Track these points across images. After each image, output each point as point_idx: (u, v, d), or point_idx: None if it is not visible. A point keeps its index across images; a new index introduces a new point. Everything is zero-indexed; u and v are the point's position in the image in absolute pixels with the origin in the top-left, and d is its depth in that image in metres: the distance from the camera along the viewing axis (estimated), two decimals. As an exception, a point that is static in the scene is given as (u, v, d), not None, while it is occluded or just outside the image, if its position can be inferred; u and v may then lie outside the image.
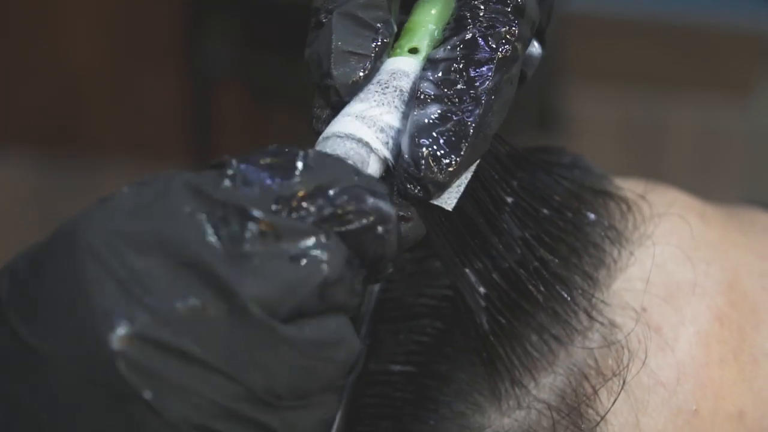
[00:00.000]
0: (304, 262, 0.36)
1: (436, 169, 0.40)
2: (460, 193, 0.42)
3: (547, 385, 0.45)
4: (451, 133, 0.40)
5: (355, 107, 0.42)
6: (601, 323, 0.46)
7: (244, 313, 0.35)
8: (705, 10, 2.19)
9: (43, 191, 2.11)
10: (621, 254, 0.48)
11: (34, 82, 2.15)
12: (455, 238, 0.44)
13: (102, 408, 0.35)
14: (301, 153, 0.38)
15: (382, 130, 0.41)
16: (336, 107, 0.42)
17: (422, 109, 0.41)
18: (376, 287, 0.49)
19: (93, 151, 2.14)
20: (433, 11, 0.44)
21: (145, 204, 0.37)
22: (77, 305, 0.35)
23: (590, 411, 0.45)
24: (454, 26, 0.42)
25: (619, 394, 0.45)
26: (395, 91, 0.42)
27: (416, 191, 0.40)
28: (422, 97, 0.41)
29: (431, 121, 0.40)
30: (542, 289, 0.46)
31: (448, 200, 0.41)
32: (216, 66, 2.00)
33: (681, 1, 2.21)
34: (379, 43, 0.43)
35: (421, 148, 0.40)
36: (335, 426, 0.41)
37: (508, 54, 0.41)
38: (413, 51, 0.43)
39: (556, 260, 0.46)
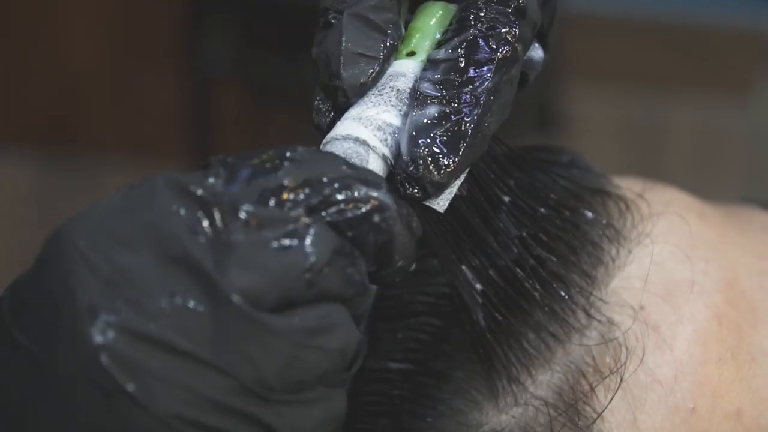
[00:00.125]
0: (288, 250, 0.36)
1: (434, 169, 0.40)
2: (452, 195, 0.42)
3: (544, 382, 0.45)
4: (449, 134, 0.40)
5: (351, 111, 0.42)
6: (599, 321, 0.46)
7: (227, 305, 0.35)
8: (705, 10, 2.19)
9: (43, 191, 2.11)
10: (619, 253, 0.48)
11: (34, 82, 2.15)
12: (452, 237, 0.44)
13: (92, 404, 0.35)
14: (289, 149, 0.38)
15: (379, 128, 0.41)
16: (342, 108, 0.43)
17: (421, 110, 0.41)
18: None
19: (93, 151, 2.14)
20: (432, 16, 0.44)
21: (132, 204, 0.37)
22: (64, 304, 0.35)
23: (587, 408, 0.45)
24: (455, 27, 0.42)
25: (616, 391, 0.45)
26: (392, 90, 0.42)
27: (414, 191, 0.40)
28: (422, 97, 0.41)
29: (430, 121, 0.40)
30: (539, 287, 0.46)
31: (440, 202, 0.42)
32: (216, 66, 2.00)
33: (681, 1, 2.21)
34: (387, 46, 0.43)
35: (420, 148, 0.40)
36: None
37: (508, 55, 0.41)
38: (410, 54, 0.44)
39: (554, 258, 0.46)
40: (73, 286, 0.35)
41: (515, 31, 0.42)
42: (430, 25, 0.44)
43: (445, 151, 0.40)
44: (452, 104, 0.41)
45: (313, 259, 0.36)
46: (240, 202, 0.36)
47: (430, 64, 0.42)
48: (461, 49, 0.42)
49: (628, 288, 0.47)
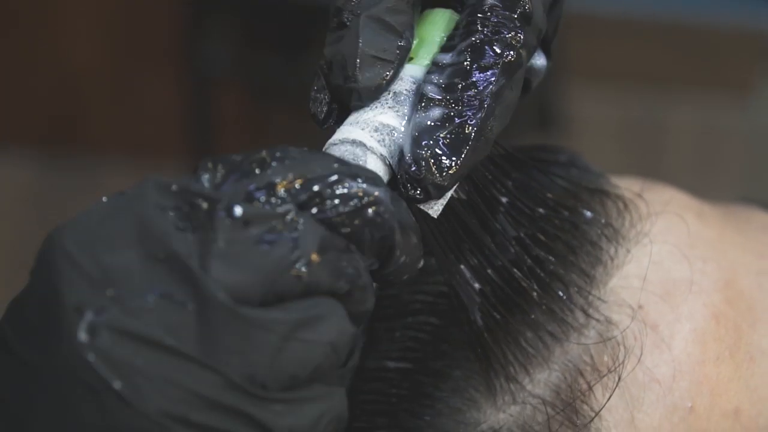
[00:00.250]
0: (273, 245, 0.36)
1: (436, 171, 0.40)
2: (446, 200, 0.42)
3: (542, 381, 0.45)
4: (452, 136, 0.40)
5: (349, 118, 0.42)
6: (598, 320, 0.46)
7: (211, 301, 0.35)
8: (705, 10, 2.19)
9: (43, 191, 2.11)
10: (618, 252, 0.48)
11: (34, 82, 2.15)
12: (451, 237, 0.44)
13: (83, 404, 0.35)
14: (279, 149, 0.38)
15: (376, 130, 0.41)
16: (352, 110, 0.43)
17: (425, 112, 0.41)
18: None
19: (93, 151, 2.14)
20: (434, 23, 0.44)
21: (120, 206, 0.37)
22: (52, 306, 0.35)
23: (585, 407, 0.45)
24: (462, 33, 0.43)
25: (614, 390, 0.45)
26: (389, 93, 0.43)
27: (416, 193, 0.40)
28: (426, 100, 0.41)
29: (434, 123, 0.41)
30: (536, 287, 0.46)
31: (435, 207, 0.42)
32: (216, 66, 2.00)
33: (681, 1, 2.21)
34: (402, 49, 0.43)
35: (423, 150, 0.40)
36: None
37: (512, 60, 0.41)
38: (408, 60, 0.44)
39: (552, 258, 0.46)
40: (60, 287, 0.35)
41: (520, 37, 0.42)
42: (431, 31, 0.44)
43: (448, 153, 0.40)
44: (456, 107, 0.41)
45: (297, 252, 0.36)
46: (227, 200, 0.36)
47: (436, 67, 0.42)
48: (466, 53, 0.42)
49: (627, 287, 0.47)
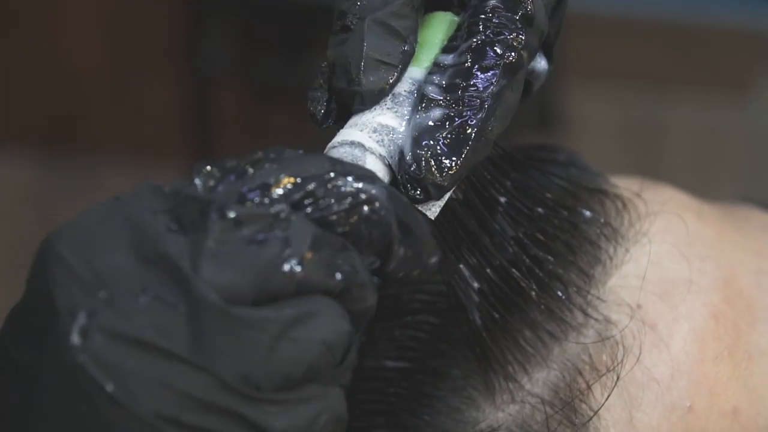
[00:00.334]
0: (264, 244, 0.36)
1: (436, 171, 0.40)
2: (444, 202, 0.42)
3: (540, 380, 0.45)
4: (453, 136, 0.40)
5: (349, 121, 0.43)
6: (596, 320, 0.46)
7: (202, 301, 0.35)
8: (705, 10, 2.19)
9: (43, 191, 2.11)
10: (617, 251, 0.48)
11: (34, 82, 2.15)
12: (450, 236, 0.44)
13: (78, 408, 0.35)
14: (274, 151, 0.38)
15: (375, 131, 0.41)
16: (354, 113, 0.43)
17: (426, 112, 0.41)
18: None
19: (93, 151, 2.15)
20: (434, 27, 0.45)
21: (114, 210, 0.37)
22: (46, 310, 0.35)
23: (584, 406, 0.45)
24: (463, 34, 0.43)
25: (612, 389, 0.45)
26: (387, 95, 0.43)
27: (416, 193, 0.40)
28: (426, 100, 0.41)
29: (434, 123, 0.41)
30: (535, 286, 0.46)
31: (433, 207, 0.42)
32: (216, 66, 2.00)
33: (681, 1, 2.21)
34: (406, 53, 0.43)
35: (423, 150, 0.40)
36: None
37: (513, 61, 0.41)
38: None
39: (551, 258, 0.47)
40: (54, 291, 0.35)
41: (521, 38, 0.42)
42: (432, 34, 0.44)
43: (448, 153, 0.40)
44: (456, 107, 0.41)
45: (289, 251, 0.36)
46: (220, 202, 0.36)
47: (437, 68, 0.42)
48: (468, 54, 0.42)
49: (626, 286, 0.47)
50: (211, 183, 0.38)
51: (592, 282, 0.47)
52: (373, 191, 0.38)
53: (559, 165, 0.51)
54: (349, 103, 0.42)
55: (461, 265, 0.45)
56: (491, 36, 0.42)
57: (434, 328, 0.47)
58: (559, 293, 0.46)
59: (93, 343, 0.34)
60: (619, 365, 0.45)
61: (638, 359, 0.45)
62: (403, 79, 0.43)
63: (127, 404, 0.34)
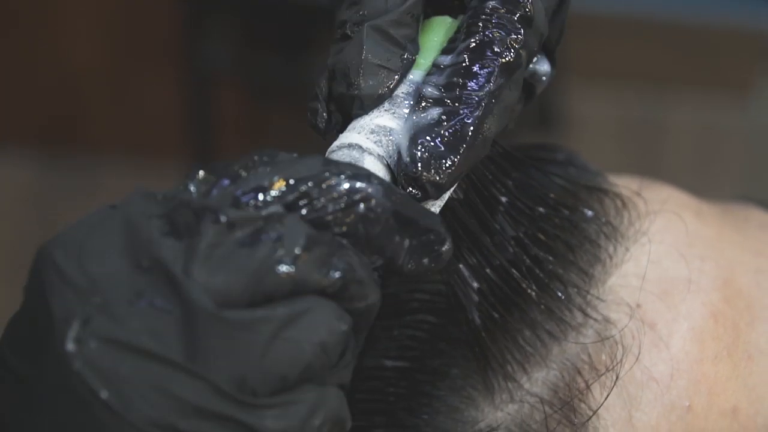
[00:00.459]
0: (256, 246, 0.36)
1: (434, 169, 0.40)
2: (444, 201, 0.42)
3: (539, 380, 0.45)
4: (449, 134, 0.40)
5: (348, 126, 0.43)
6: (595, 319, 0.46)
7: (194, 306, 0.35)
8: (705, 10, 2.19)
9: (43, 191, 2.11)
10: (617, 250, 0.48)
11: (34, 82, 2.15)
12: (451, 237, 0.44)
13: (74, 415, 0.35)
14: (266, 154, 0.38)
15: (372, 132, 0.41)
16: (353, 117, 0.43)
17: (423, 112, 0.41)
18: None
19: (93, 151, 2.15)
20: (433, 31, 0.45)
21: (107, 217, 0.37)
22: (42, 317, 0.36)
23: (583, 406, 0.45)
24: (462, 35, 0.43)
25: (612, 389, 0.45)
26: None
27: (414, 192, 0.40)
28: (424, 100, 0.41)
29: (431, 121, 0.41)
30: (535, 286, 0.46)
31: (432, 207, 0.42)
32: (216, 66, 2.00)
33: (681, 1, 2.21)
34: (406, 60, 0.43)
35: (420, 148, 0.40)
36: None
37: (511, 60, 0.41)
38: None
39: (551, 258, 0.46)
40: (49, 299, 0.35)
41: (520, 38, 0.42)
42: (431, 37, 0.44)
43: (446, 151, 0.40)
44: (453, 106, 0.41)
45: (282, 251, 0.36)
46: (213, 206, 0.36)
47: (436, 69, 0.43)
48: (466, 54, 0.42)
49: (625, 286, 0.47)
50: (205, 188, 0.38)
51: (592, 281, 0.47)
52: (369, 189, 0.38)
53: (558, 164, 0.51)
54: (349, 107, 0.42)
55: (461, 265, 0.45)
56: (489, 36, 0.42)
57: (433, 328, 0.47)
58: (559, 293, 0.46)
59: (88, 350, 0.34)
60: (619, 365, 0.45)
61: (637, 359, 0.45)
62: (402, 81, 0.43)
63: (122, 411, 0.34)
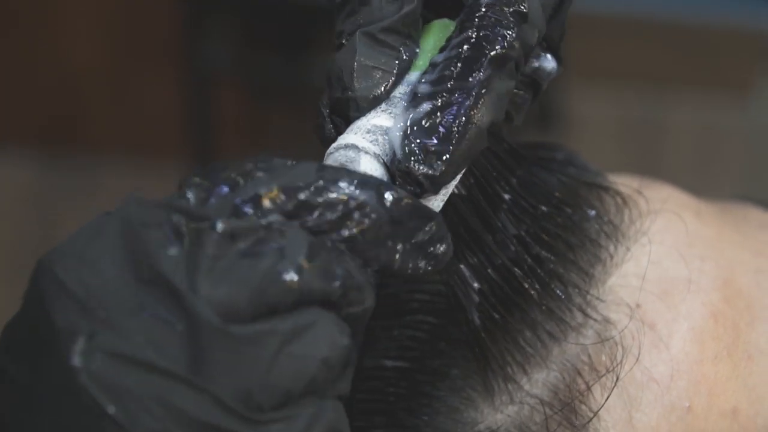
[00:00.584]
0: (259, 258, 0.36)
1: (427, 162, 0.40)
2: (446, 196, 0.42)
3: (540, 381, 0.45)
4: (440, 126, 0.40)
5: (347, 129, 0.43)
6: (595, 320, 0.46)
7: (198, 319, 0.34)
8: (705, 10, 2.19)
9: (43, 191, 2.11)
10: (617, 249, 0.48)
11: (34, 81, 2.15)
12: (452, 236, 0.44)
13: (78, 423, 0.35)
14: (261, 160, 0.38)
15: (368, 131, 0.42)
16: (352, 121, 0.43)
17: (415, 107, 0.41)
18: None
19: (93, 151, 2.15)
20: (429, 33, 0.45)
21: (105, 227, 0.37)
22: (44, 330, 0.35)
23: (583, 407, 0.45)
24: (456, 33, 0.43)
25: (612, 390, 0.45)
26: None
27: (410, 188, 0.40)
28: (416, 96, 0.42)
29: (422, 116, 0.41)
30: (537, 286, 0.46)
31: (434, 202, 0.42)
32: (216, 66, 2.00)
33: (681, 0, 2.21)
34: (402, 61, 0.43)
35: (412, 142, 0.40)
36: None
37: (502, 50, 0.41)
38: None
39: (552, 257, 0.46)
40: (51, 312, 0.35)
41: (512, 32, 0.42)
42: (428, 40, 0.44)
43: (437, 143, 0.40)
44: (444, 98, 0.41)
45: (285, 261, 0.36)
46: (212, 216, 0.36)
47: (430, 68, 0.43)
48: (457, 48, 0.42)
49: (625, 286, 0.47)
50: (203, 195, 0.38)
51: (592, 281, 0.47)
52: (363, 197, 0.38)
53: (557, 163, 0.51)
54: (345, 110, 0.42)
55: (462, 266, 0.45)
56: (481, 30, 0.42)
57: (433, 328, 0.47)
58: (559, 293, 0.46)
59: (93, 364, 0.34)
60: (619, 366, 0.45)
61: (637, 359, 0.45)
62: (400, 84, 0.43)
63: (128, 426, 0.34)
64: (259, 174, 0.38)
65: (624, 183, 0.51)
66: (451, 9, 0.45)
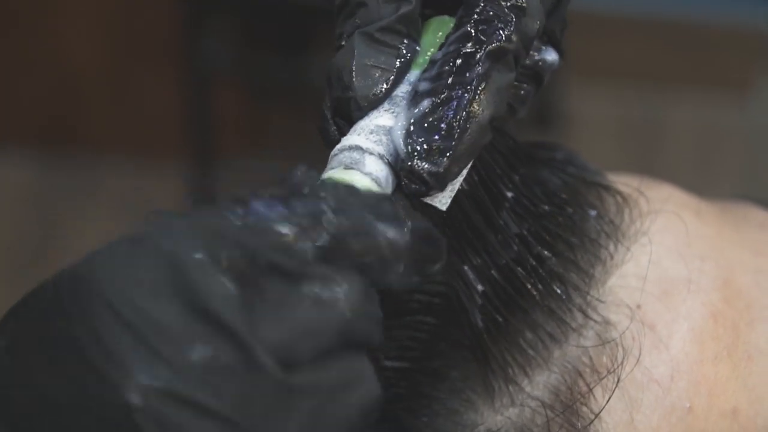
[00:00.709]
0: (320, 302, 0.35)
1: (430, 159, 0.40)
2: (454, 192, 0.42)
3: (541, 383, 0.45)
4: (441, 122, 0.40)
5: (350, 131, 0.43)
6: (596, 321, 0.46)
7: (255, 363, 0.34)
8: (704, 9, 2.19)
9: (43, 191, 2.11)
10: (617, 249, 0.48)
11: (34, 81, 2.15)
12: (455, 235, 0.44)
13: None
14: (306, 184, 0.38)
15: (372, 132, 0.42)
16: (355, 121, 0.43)
17: (416, 105, 0.41)
18: None
19: (93, 150, 2.14)
20: (429, 31, 0.45)
21: (151, 250, 0.36)
22: (91, 354, 0.34)
23: (584, 409, 0.45)
24: (454, 29, 0.43)
25: (613, 391, 0.45)
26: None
27: (416, 186, 0.40)
28: (417, 94, 0.42)
29: (423, 113, 0.41)
30: (539, 287, 0.46)
31: (442, 199, 0.42)
32: (216, 66, 2.00)
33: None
34: (402, 59, 0.43)
35: (414, 140, 0.40)
36: None
37: (500, 43, 0.41)
38: None
39: (553, 257, 0.46)
40: (103, 336, 0.34)
41: (510, 24, 0.42)
42: (429, 39, 0.45)
43: (439, 139, 0.40)
44: (443, 94, 0.41)
45: (344, 309, 0.36)
46: (266, 250, 0.35)
47: (430, 65, 0.43)
48: (455, 44, 0.42)
49: (625, 287, 0.47)
50: (247, 220, 0.36)
51: (592, 282, 0.47)
52: (400, 239, 0.37)
53: (557, 163, 0.51)
54: (347, 110, 0.43)
55: (465, 267, 0.45)
56: (478, 24, 0.42)
57: (433, 328, 0.47)
58: (560, 293, 0.46)
59: (150, 404, 0.34)
60: (620, 367, 0.45)
61: (638, 360, 0.45)
62: (401, 83, 0.43)
63: None
64: (307, 203, 0.37)
65: (624, 182, 0.51)
66: (451, 7, 0.45)
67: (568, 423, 0.45)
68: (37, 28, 2.10)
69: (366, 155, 0.41)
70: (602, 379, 0.45)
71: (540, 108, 2.03)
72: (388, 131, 0.42)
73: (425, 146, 0.40)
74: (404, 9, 0.43)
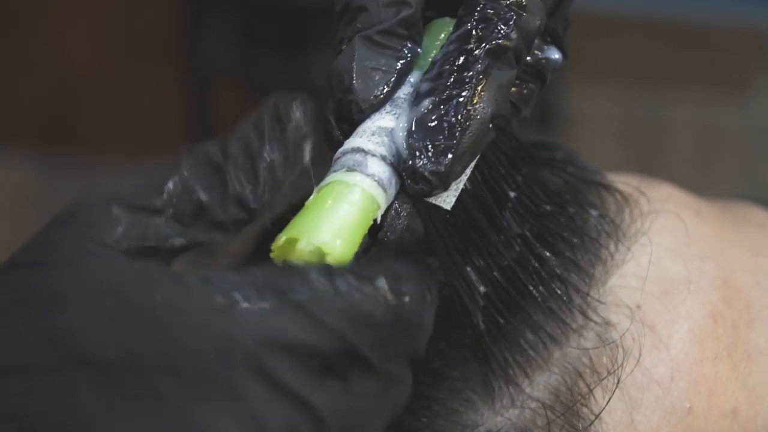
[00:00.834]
0: (388, 395, 0.38)
1: (432, 157, 0.40)
2: (458, 192, 0.42)
3: (541, 384, 0.45)
4: (443, 120, 0.40)
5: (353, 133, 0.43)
6: (596, 322, 0.46)
7: None
8: (704, 9, 2.19)
9: (43, 191, 2.11)
10: (618, 249, 0.48)
11: (34, 81, 2.15)
12: (458, 236, 0.44)
13: None
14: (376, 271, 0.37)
15: (374, 134, 0.42)
16: (357, 123, 0.43)
17: (417, 105, 0.41)
18: None
19: (93, 150, 2.14)
20: (430, 33, 0.45)
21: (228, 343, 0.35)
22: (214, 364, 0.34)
23: (585, 410, 0.45)
24: (454, 29, 0.43)
25: (613, 392, 0.45)
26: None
27: (419, 186, 0.40)
28: (418, 94, 0.42)
29: (424, 113, 0.41)
30: (540, 287, 0.46)
31: (447, 199, 0.42)
32: (216, 65, 2.00)
33: (681, -1, 2.21)
34: (403, 62, 0.43)
35: (416, 140, 0.40)
36: None
37: (499, 41, 0.41)
38: None
39: (554, 257, 0.46)
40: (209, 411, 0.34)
41: (510, 22, 0.42)
42: (431, 40, 0.45)
43: (440, 137, 0.40)
44: (444, 93, 0.41)
45: (395, 394, 0.38)
46: (353, 361, 0.36)
47: (431, 65, 0.43)
48: (455, 43, 0.42)
49: (625, 287, 0.47)
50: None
51: (593, 282, 0.47)
52: (426, 321, 0.39)
53: (557, 163, 0.51)
54: (348, 112, 0.42)
55: (468, 268, 0.45)
56: (479, 24, 0.42)
57: (434, 329, 0.47)
58: (561, 294, 0.46)
59: None
60: (620, 368, 0.45)
61: (638, 361, 0.45)
62: (403, 85, 0.43)
63: None
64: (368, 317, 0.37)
65: (624, 182, 0.51)
66: (453, 8, 0.45)
67: (568, 424, 0.45)
68: (37, 28, 2.10)
69: (368, 157, 0.41)
70: (602, 379, 0.45)
71: (541, 107, 2.03)
72: (390, 132, 0.42)
73: (427, 145, 0.40)
74: (404, 12, 0.43)
